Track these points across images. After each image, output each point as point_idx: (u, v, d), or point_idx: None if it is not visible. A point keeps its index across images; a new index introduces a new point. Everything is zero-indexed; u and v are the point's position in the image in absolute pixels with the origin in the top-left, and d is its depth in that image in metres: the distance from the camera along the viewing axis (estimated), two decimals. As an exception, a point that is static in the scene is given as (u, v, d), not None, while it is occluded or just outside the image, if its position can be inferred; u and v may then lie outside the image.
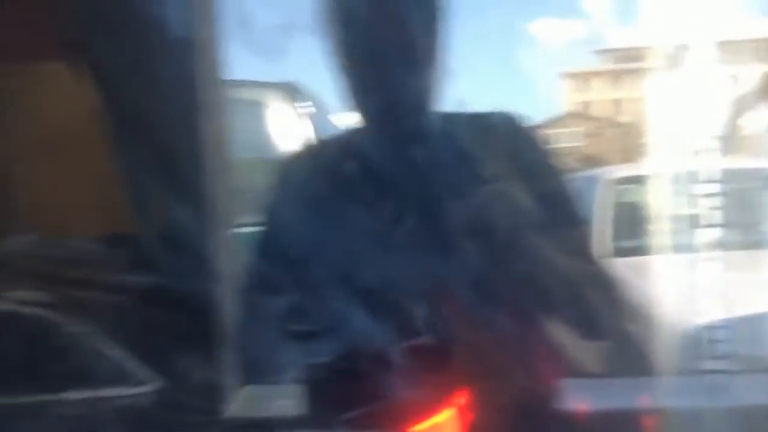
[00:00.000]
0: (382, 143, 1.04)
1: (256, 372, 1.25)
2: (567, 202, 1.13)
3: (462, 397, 1.01)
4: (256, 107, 2.60)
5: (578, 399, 1.12)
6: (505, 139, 1.09)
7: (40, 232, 1.33)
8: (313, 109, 2.75)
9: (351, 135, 1.14)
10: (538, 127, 1.27)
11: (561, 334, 1.10)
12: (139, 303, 1.23)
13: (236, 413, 1.28)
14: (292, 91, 2.68)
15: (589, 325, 1.09)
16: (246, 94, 2.57)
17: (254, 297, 1.14)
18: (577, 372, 1.15)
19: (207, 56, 1.27)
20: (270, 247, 1.13)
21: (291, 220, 1.10)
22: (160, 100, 1.23)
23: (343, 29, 1.07)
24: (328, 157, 1.15)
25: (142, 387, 1.21)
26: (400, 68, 1.03)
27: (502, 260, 1.01)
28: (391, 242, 1.03)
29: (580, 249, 1.10)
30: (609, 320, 1.10)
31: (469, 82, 1.13)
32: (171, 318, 1.22)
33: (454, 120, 1.09)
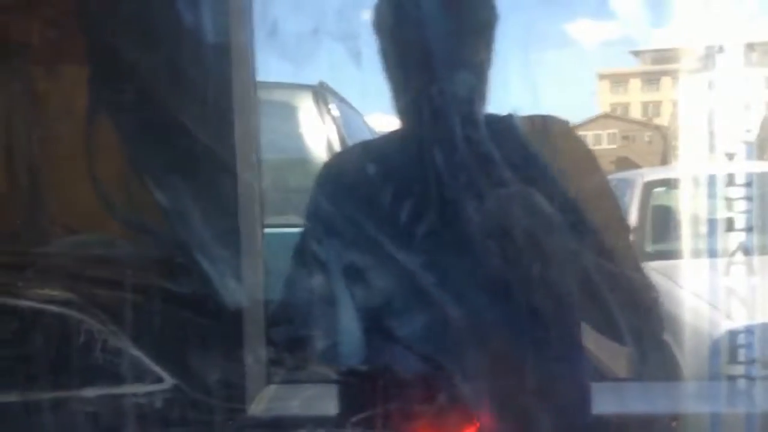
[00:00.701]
0: (426, 147, 1.04)
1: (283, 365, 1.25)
2: (612, 206, 1.12)
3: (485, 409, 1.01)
4: (286, 109, 2.61)
5: (607, 403, 1.11)
6: (551, 142, 1.09)
7: (73, 232, 1.35)
8: (342, 111, 2.76)
9: (394, 138, 1.14)
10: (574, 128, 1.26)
11: (592, 337, 1.09)
12: (166, 303, 1.24)
13: (258, 412, 1.29)
14: (321, 93, 2.69)
15: (620, 330, 1.07)
16: (275, 95, 2.59)
17: (294, 297, 1.15)
18: (606, 376, 1.14)
19: (241, 60, 1.29)
20: (310, 246, 1.14)
21: (330, 221, 1.10)
22: (194, 102, 1.24)
23: (390, 33, 1.08)
24: (369, 159, 1.16)
25: (166, 385, 1.22)
26: (447, 72, 1.03)
27: (542, 263, 1.00)
28: (432, 246, 1.02)
29: (622, 253, 1.09)
30: (641, 325, 1.09)
31: (502, 82, 1.12)
32: (196, 317, 1.24)
33: (499, 123, 1.09)
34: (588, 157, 1.12)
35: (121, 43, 1.24)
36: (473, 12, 1.07)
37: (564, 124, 1.13)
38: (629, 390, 1.36)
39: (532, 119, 1.11)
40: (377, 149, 1.20)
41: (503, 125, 1.09)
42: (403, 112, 1.09)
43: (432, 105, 1.04)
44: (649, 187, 3.65)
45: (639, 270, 1.08)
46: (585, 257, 1.01)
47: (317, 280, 1.10)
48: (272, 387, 1.37)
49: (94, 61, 1.30)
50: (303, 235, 1.17)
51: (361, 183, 1.10)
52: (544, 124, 1.11)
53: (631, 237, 1.14)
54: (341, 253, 1.08)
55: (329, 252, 1.09)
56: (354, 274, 1.05)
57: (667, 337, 1.18)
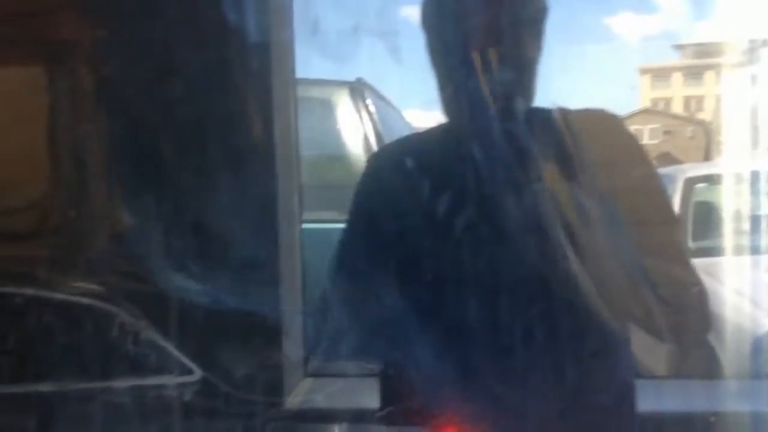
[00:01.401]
0: (473, 142, 1.04)
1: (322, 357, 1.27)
2: (661, 201, 1.11)
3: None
4: (323, 105, 2.63)
5: (645, 401, 1.10)
6: (601, 136, 1.08)
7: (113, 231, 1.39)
8: (380, 107, 2.77)
9: (439, 133, 1.15)
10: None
11: (635, 334, 1.08)
12: (204, 296, 1.26)
13: (295, 405, 1.30)
14: (358, 89, 2.69)
15: (664, 326, 1.06)
16: (314, 92, 2.60)
17: (336, 291, 1.16)
18: (647, 373, 1.13)
19: (282, 58, 1.30)
20: (354, 240, 1.15)
21: (374, 215, 1.11)
22: (236, 99, 1.26)
23: (437, 28, 1.08)
24: (415, 154, 1.16)
25: (206, 377, 1.25)
26: (495, 66, 1.03)
27: (588, 257, 1.00)
28: (477, 241, 1.03)
29: (671, 248, 1.08)
30: (686, 322, 1.08)
31: (544, 76, 1.11)
32: (236, 311, 1.25)
33: (548, 117, 1.08)
34: (638, 152, 1.11)
35: (167, 41, 1.26)
36: (522, 5, 1.07)
37: (614, 118, 1.12)
38: (667, 388, 1.34)
39: (581, 113, 1.10)
40: (422, 144, 1.21)
41: (551, 119, 1.08)
42: (450, 106, 1.09)
43: (479, 100, 1.04)
44: (690, 183, 3.59)
45: (687, 266, 1.07)
46: (633, 252, 1.01)
47: (360, 274, 1.11)
48: (309, 380, 1.39)
49: (138, 59, 1.32)
50: (347, 229, 1.18)
51: (406, 177, 1.10)
52: (594, 117, 1.11)
53: (681, 232, 1.13)
54: (385, 248, 1.09)
55: (373, 246, 1.10)
56: (397, 268, 1.06)
57: (704, 334, 1.16)
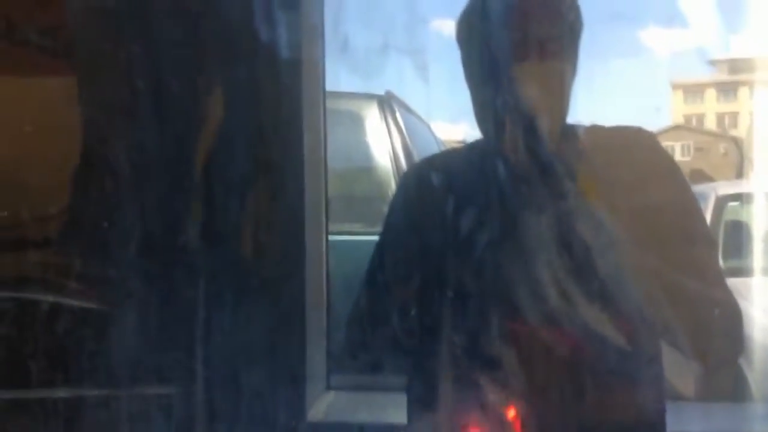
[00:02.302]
0: (505, 158, 1.04)
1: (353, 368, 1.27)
2: (697, 221, 1.10)
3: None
4: (352, 118, 2.64)
5: (678, 423, 1.08)
6: (636, 154, 1.07)
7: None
8: (408, 120, 2.77)
9: (474, 149, 1.15)
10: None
11: (666, 355, 1.07)
12: (230, 305, 1.27)
13: (317, 418, 1.30)
14: (387, 102, 2.70)
15: (696, 348, 1.05)
16: (343, 105, 2.62)
17: (368, 301, 1.16)
18: (677, 395, 1.12)
19: (312, 72, 1.31)
20: (386, 253, 1.15)
21: (407, 228, 1.11)
22: (267, 113, 1.28)
23: (472, 45, 1.09)
24: (452, 167, 1.16)
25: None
26: (529, 83, 1.03)
27: (619, 276, 0.99)
28: (510, 256, 1.02)
29: (707, 269, 1.07)
30: (719, 344, 1.06)
31: (574, 91, 1.11)
32: (260, 322, 1.26)
33: (582, 134, 1.08)
34: (673, 170, 1.10)
35: (201, 54, 1.28)
36: (557, 21, 1.06)
37: (650, 136, 1.11)
38: (696, 410, 1.32)
39: (616, 130, 1.10)
40: (456, 160, 1.21)
41: (585, 136, 1.08)
42: (484, 123, 1.09)
43: (513, 117, 1.04)
44: (722, 201, 3.54)
45: (722, 287, 1.05)
46: (667, 272, 0.99)
47: (391, 287, 1.11)
48: (331, 393, 1.39)
49: (171, 72, 1.34)
50: (379, 243, 1.18)
51: (438, 193, 1.11)
52: (630, 135, 1.10)
53: (716, 253, 1.11)
54: (415, 262, 1.09)
55: (405, 260, 1.10)
56: (425, 283, 1.06)
57: (734, 356, 1.15)
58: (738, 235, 3.43)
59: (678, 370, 1.07)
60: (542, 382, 1.01)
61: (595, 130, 1.09)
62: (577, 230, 1.00)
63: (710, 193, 3.64)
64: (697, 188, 4.20)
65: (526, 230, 1.01)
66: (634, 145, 1.08)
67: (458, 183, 1.09)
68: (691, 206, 1.09)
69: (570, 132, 1.07)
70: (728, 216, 3.50)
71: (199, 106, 1.30)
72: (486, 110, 1.07)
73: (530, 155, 1.05)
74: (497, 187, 1.05)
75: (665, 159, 1.11)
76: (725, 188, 3.79)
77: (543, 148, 1.05)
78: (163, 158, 1.30)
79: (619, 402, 1.02)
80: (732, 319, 1.04)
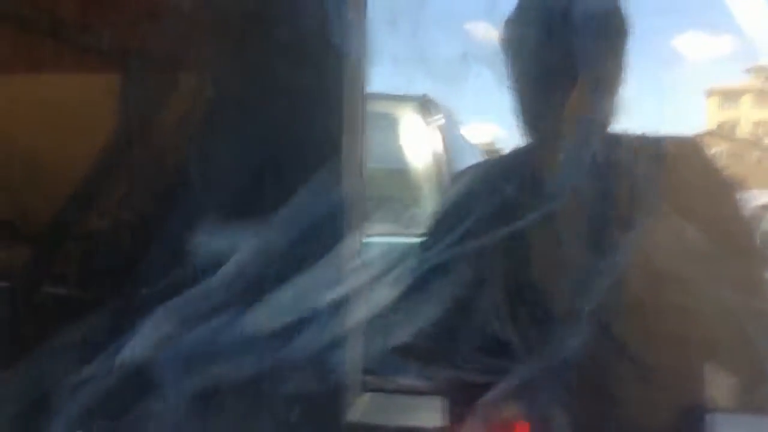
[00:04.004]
0: (552, 166, 1.04)
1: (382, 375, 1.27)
2: (745, 234, 1.09)
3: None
4: (391, 120, 2.64)
5: None
6: (680, 165, 1.06)
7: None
8: (446, 122, 2.77)
9: (520, 155, 1.15)
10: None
11: (710, 367, 1.06)
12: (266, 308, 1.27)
13: (356, 419, 1.30)
14: (425, 105, 2.70)
15: (741, 361, 1.04)
16: (381, 107, 2.62)
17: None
18: (717, 407, 1.10)
19: (354, 75, 1.32)
20: (431, 254, 1.15)
21: (451, 234, 1.11)
22: (309, 114, 1.28)
23: (517, 54, 1.09)
24: (497, 176, 1.17)
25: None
26: (575, 91, 1.03)
27: (664, 289, 0.99)
28: (552, 266, 1.02)
29: (753, 281, 1.05)
30: (759, 359, 1.05)
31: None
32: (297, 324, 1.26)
33: (628, 143, 1.07)
34: (723, 182, 1.09)
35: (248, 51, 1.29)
36: (603, 31, 1.06)
37: (699, 146, 1.10)
38: (738, 422, 1.30)
39: (665, 140, 1.09)
40: (506, 166, 1.21)
41: (634, 145, 1.07)
42: (530, 132, 1.09)
43: (558, 126, 1.03)
44: (761, 211, 3.48)
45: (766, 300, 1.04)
46: (713, 283, 0.99)
47: (441, 290, 1.11)
48: (368, 395, 1.39)
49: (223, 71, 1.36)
50: (426, 242, 1.18)
51: (487, 197, 1.10)
52: (679, 145, 1.09)
53: (764, 265, 1.10)
54: (464, 263, 1.09)
55: (452, 261, 1.10)
56: (471, 288, 1.06)
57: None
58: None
59: (718, 381, 1.06)
60: (588, 388, 1.00)
61: (644, 139, 1.08)
62: (631, 239, 1.00)
63: (748, 202, 3.58)
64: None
65: (581, 238, 1.01)
66: (681, 155, 1.07)
67: (512, 189, 1.09)
68: (740, 218, 1.08)
69: (617, 141, 1.07)
70: (766, 226, 3.44)
71: (241, 104, 1.31)
72: (532, 117, 1.07)
73: (576, 163, 1.04)
74: (539, 194, 1.05)
75: (713, 170, 1.10)
76: (764, 198, 3.73)
77: (589, 155, 1.04)
78: (206, 156, 1.32)
79: (662, 412, 1.01)
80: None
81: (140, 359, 1.08)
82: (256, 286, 1.23)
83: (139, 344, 1.08)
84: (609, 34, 1.06)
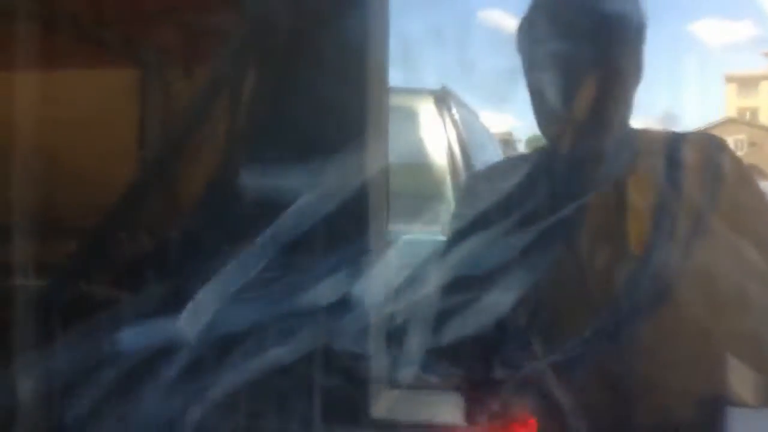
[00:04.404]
0: (570, 166, 1.02)
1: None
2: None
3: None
4: (409, 113, 2.62)
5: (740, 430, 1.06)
6: (703, 162, 1.04)
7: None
8: (463, 116, 2.75)
9: (539, 155, 1.13)
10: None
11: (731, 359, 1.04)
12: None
13: (380, 415, 1.30)
14: (443, 98, 2.68)
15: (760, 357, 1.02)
16: (398, 100, 2.61)
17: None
18: (739, 402, 1.09)
19: (377, 69, 1.30)
20: (450, 254, 1.14)
21: (470, 233, 1.10)
22: (330, 107, 1.27)
23: (533, 51, 1.07)
24: (514, 175, 1.15)
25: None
26: (592, 89, 1.01)
27: (687, 280, 0.97)
28: (569, 266, 1.01)
29: None
30: None
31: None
32: (324, 317, 1.26)
33: (648, 139, 1.06)
34: (746, 178, 1.06)
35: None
36: (619, 25, 1.04)
37: (721, 142, 1.08)
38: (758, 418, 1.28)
39: (686, 136, 1.07)
40: (524, 165, 1.19)
41: (653, 141, 1.05)
42: (546, 129, 1.08)
43: (575, 123, 1.02)
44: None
45: None
46: (738, 277, 0.97)
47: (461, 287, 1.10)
48: (394, 391, 1.38)
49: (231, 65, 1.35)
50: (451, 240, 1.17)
51: (505, 197, 1.09)
52: (701, 141, 1.07)
53: None
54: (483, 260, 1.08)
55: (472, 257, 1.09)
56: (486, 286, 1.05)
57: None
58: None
59: (740, 376, 1.04)
60: (606, 377, 0.99)
61: (662, 135, 1.07)
62: (653, 235, 0.98)
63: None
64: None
65: (598, 236, 0.99)
66: (703, 151, 1.06)
67: (529, 188, 1.08)
68: (763, 212, 1.06)
69: (635, 137, 1.05)
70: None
71: (261, 96, 1.30)
72: (549, 116, 1.06)
73: (594, 159, 1.03)
74: (568, 192, 1.03)
75: (736, 165, 1.08)
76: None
77: (605, 152, 1.03)
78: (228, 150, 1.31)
79: (680, 404, 1.00)
80: None
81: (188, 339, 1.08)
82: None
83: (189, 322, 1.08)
84: (628, 31, 1.04)
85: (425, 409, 1.34)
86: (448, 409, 1.26)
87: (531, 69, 1.08)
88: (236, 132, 1.33)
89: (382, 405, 1.33)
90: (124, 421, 1.10)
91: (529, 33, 1.08)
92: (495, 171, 1.27)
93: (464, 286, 1.08)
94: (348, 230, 1.28)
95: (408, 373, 1.34)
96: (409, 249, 1.31)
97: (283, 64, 1.26)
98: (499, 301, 1.04)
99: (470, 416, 1.14)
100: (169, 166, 1.37)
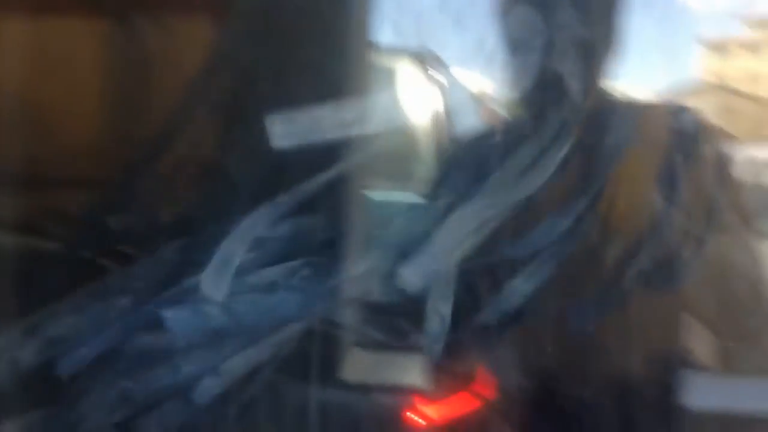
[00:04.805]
0: (545, 134, 1.03)
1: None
2: (739, 201, 1.08)
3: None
4: (387, 74, 2.59)
5: (697, 395, 1.08)
6: (679, 132, 1.05)
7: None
8: (443, 75, 2.73)
9: (516, 125, 1.14)
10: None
11: (694, 326, 1.07)
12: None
13: (349, 376, 1.31)
14: (423, 58, 2.65)
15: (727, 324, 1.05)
16: (376, 60, 2.56)
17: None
18: (699, 365, 1.11)
19: (359, 30, 1.29)
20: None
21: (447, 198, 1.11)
22: (312, 67, 1.26)
23: (508, 20, 1.06)
24: (493, 144, 1.16)
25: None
26: (564, 57, 1.01)
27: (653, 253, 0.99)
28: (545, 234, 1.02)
29: (744, 249, 1.05)
30: (754, 322, 1.06)
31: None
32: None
33: (624, 109, 1.06)
34: (720, 150, 1.07)
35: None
36: None
37: (694, 113, 1.09)
38: (721, 383, 1.31)
39: (658, 107, 1.08)
40: (503, 133, 1.20)
41: (624, 111, 1.06)
42: (524, 99, 1.08)
43: (549, 92, 1.02)
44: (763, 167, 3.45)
45: (760, 265, 1.04)
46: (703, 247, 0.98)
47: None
48: (360, 352, 1.39)
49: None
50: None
51: (480, 167, 1.09)
52: (672, 111, 1.08)
53: (757, 235, 1.10)
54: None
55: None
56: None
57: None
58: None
59: (700, 340, 1.07)
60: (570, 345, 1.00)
61: (633, 105, 1.07)
62: (621, 206, 0.99)
63: (749, 157, 3.55)
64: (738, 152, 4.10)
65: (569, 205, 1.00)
66: (674, 122, 1.06)
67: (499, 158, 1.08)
68: (732, 183, 1.07)
69: (609, 106, 1.05)
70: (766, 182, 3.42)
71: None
72: (521, 83, 1.06)
73: (571, 130, 1.03)
74: (539, 161, 1.04)
75: (711, 137, 1.08)
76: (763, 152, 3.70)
77: (578, 120, 1.03)
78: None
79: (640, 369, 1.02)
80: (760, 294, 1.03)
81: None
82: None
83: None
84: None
85: (393, 372, 1.36)
86: (415, 372, 1.27)
87: (505, 34, 1.08)
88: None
89: (353, 367, 1.35)
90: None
91: (502, 5, 1.07)
92: (477, 138, 1.27)
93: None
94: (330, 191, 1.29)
95: (372, 335, 1.36)
96: (383, 209, 1.31)
97: (264, 25, 1.25)
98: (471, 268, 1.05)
99: (434, 378, 1.16)
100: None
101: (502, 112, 1.15)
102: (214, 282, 1.09)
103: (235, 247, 1.10)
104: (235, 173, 1.25)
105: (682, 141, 1.06)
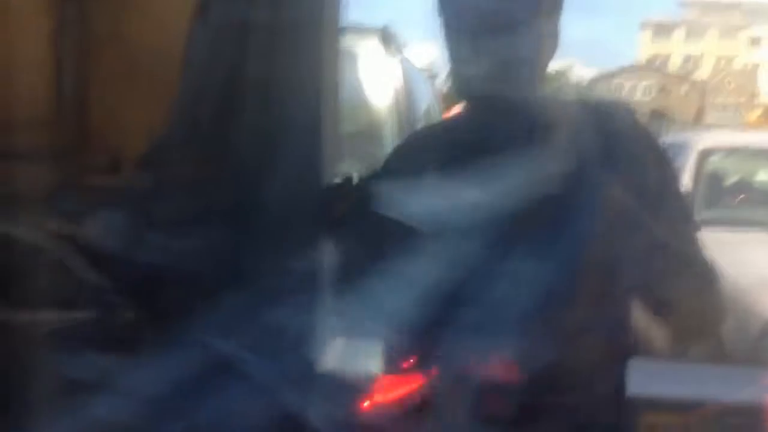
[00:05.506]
0: (492, 127, 1.03)
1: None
2: (678, 203, 1.10)
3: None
4: (350, 53, 2.55)
5: (644, 381, 1.11)
6: (616, 131, 1.06)
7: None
8: (406, 56, 2.72)
9: (461, 120, 1.14)
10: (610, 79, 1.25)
11: (639, 312, 1.09)
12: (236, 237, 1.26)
13: (328, 366, 1.31)
14: (384, 37, 2.63)
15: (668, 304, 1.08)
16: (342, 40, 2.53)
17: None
18: (647, 353, 1.14)
19: (331, 10, 1.28)
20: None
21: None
22: (283, 50, 1.25)
23: (446, 11, 1.06)
24: (439, 141, 1.16)
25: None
26: (503, 50, 1.01)
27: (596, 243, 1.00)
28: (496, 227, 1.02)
29: (685, 249, 1.08)
30: (699, 311, 1.09)
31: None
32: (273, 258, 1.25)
33: (557, 106, 1.07)
34: (656, 150, 1.09)
35: None
36: None
37: (629, 113, 1.10)
38: (667, 370, 1.35)
39: (596, 105, 1.09)
40: (447, 130, 1.20)
41: (560, 108, 1.07)
42: (462, 89, 1.08)
43: (485, 84, 1.02)
44: (705, 154, 3.56)
45: (702, 262, 1.07)
46: (643, 240, 1.01)
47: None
48: (340, 340, 1.39)
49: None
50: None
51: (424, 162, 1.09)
52: (609, 110, 1.09)
53: (697, 232, 1.12)
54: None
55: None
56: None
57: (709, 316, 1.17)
58: (716, 187, 3.50)
59: (649, 327, 1.09)
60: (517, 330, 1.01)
61: (570, 103, 1.09)
62: (565, 200, 1.00)
63: (692, 145, 3.65)
64: (678, 138, 4.23)
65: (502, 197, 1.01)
66: (611, 121, 1.07)
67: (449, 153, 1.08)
68: (671, 187, 1.09)
69: (544, 102, 1.07)
70: (707, 167, 3.54)
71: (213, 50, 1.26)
72: (461, 75, 1.06)
73: (504, 122, 1.04)
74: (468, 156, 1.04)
75: (645, 138, 1.10)
76: (705, 139, 3.82)
77: (517, 114, 1.04)
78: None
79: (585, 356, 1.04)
80: (708, 284, 1.06)
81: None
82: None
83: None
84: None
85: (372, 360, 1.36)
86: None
87: (445, 29, 1.08)
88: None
89: (329, 357, 1.35)
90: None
91: None
92: (428, 133, 1.27)
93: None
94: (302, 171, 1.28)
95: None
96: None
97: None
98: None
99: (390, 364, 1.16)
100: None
101: (458, 96, 1.14)
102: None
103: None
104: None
105: (618, 140, 1.08)
